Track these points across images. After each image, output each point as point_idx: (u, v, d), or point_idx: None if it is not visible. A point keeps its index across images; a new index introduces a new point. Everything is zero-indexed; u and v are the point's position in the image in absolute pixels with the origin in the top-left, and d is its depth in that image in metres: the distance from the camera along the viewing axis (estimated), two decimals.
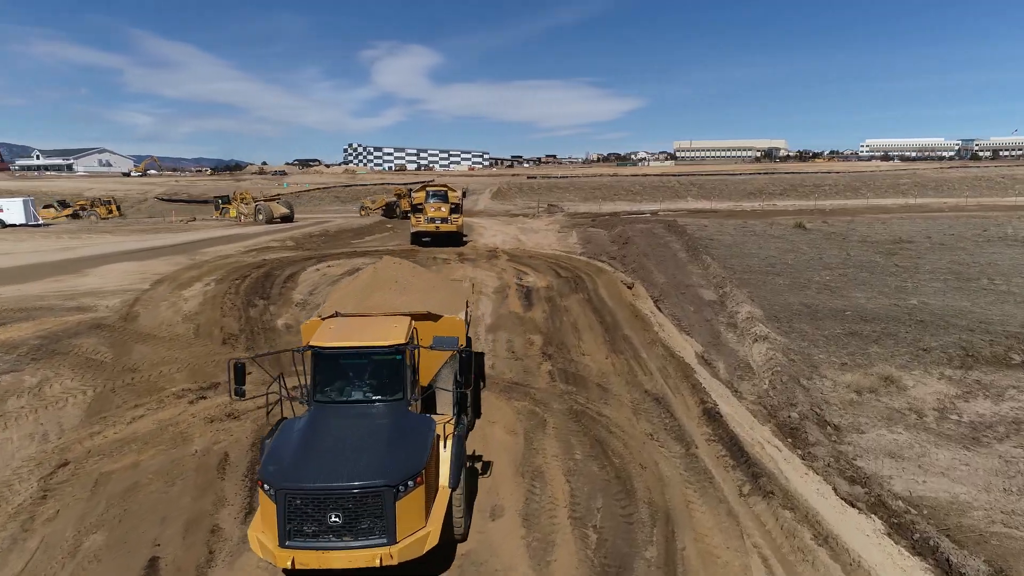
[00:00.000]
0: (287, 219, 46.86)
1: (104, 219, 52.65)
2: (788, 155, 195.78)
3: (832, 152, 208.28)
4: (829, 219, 39.11)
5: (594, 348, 15.26)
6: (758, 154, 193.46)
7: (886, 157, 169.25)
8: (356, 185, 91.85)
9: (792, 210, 50.37)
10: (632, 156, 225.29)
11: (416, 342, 8.33)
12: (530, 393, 12.49)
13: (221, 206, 53.54)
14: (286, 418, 7.69)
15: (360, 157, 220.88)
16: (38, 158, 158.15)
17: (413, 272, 11.30)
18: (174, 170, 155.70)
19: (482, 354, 13.96)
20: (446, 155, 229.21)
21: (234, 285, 19.44)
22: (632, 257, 25.59)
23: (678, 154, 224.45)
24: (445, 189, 32.14)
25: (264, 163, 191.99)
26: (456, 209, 30.85)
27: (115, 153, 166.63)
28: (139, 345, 13.93)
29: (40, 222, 44.31)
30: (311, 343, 7.81)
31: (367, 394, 7.74)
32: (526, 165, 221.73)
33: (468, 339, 10.82)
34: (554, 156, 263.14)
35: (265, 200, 49.33)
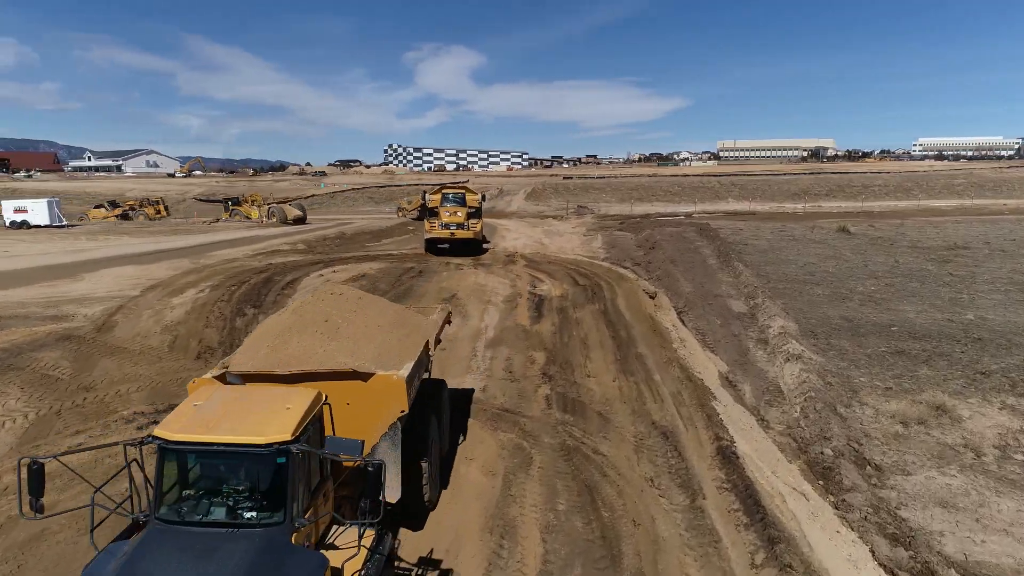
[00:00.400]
0: (300, 221, 46.58)
1: (152, 219, 52.86)
2: (836, 155, 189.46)
3: (883, 151, 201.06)
4: (876, 222, 36.53)
5: (602, 368, 13.68)
6: (804, 154, 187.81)
7: (940, 156, 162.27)
8: (391, 186, 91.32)
9: (837, 212, 47.64)
10: (674, 156, 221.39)
11: (316, 435, 5.94)
12: (520, 423, 11.00)
13: (231, 207, 53.39)
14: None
15: (400, 158, 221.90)
16: (89, 159, 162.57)
17: (357, 306, 8.44)
18: (219, 171, 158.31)
19: (471, 390, 12.40)
20: (485, 155, 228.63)
21: (229, 292, 18.41)
22: (658, 263, 23.85)
23: (721, 154, 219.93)
24: (463, 191, 29.78)
25: (308, 164, 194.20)
26: (475, 213, 28.43)
27: (162, 154, 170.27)
28: (105, 359, 12.88)
29: (64, 223, 44.40)
30: (154, 432, 5.33)
31: (232, 513, 5.29)
32: (565, 165, 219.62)
33: (427, 398, 8.41)
34: (594, 156, 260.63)
35: (277, 202, 49.57)
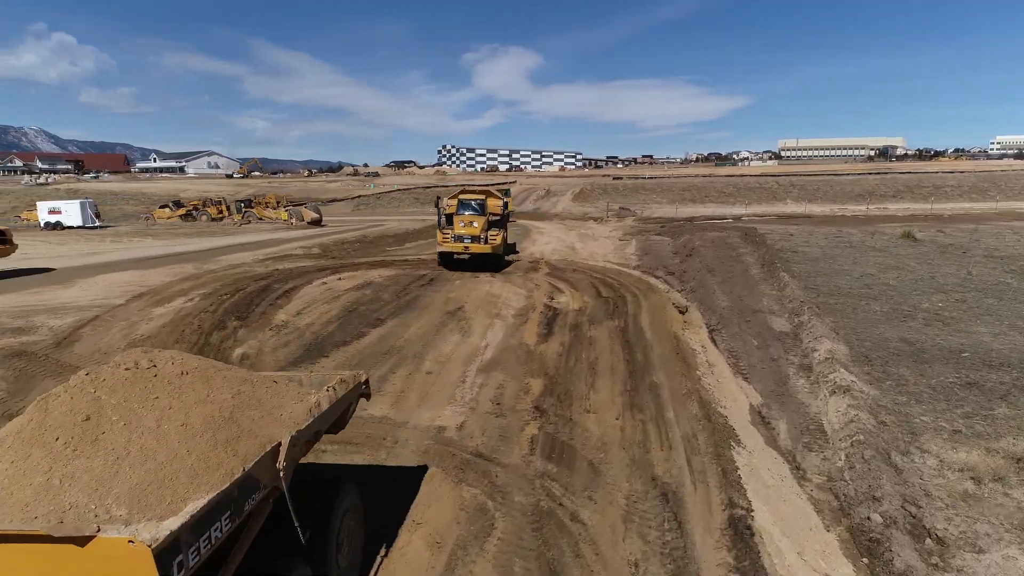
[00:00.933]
0: (316, 223, 46.37)
1: (215, 219, 53.24)
2: (906, 154, 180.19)
3: (957, 150, 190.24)
4: (947, 227, 33.00)
5: (606, 401, 11.64)
6: (871, 153, 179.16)
7: (1021, 155, 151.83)
8: (436, 186, 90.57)
9: (903, 216, 43.89)
10: (733, 156, 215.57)
11: None
12: (492, 474, 9.10)
13: (243, 209, 53.67)
14: None
15: (453, 158, 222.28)
16: (155, 161, 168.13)
17: (168, 387, 4.65)
18: (276, 172, 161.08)
19: (443, 427, 10.50)
20: (538, 155, 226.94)
21: (218, 302, 17.08)
22: (693, 273, 21.53)
23: (783, 153, 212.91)
24: (484, 196, 25.97)
25: (365, 164, 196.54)
26: (498, 223, 24.35)
27: (223, 156, 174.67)
28: (48, 380, 11.56)
29: (97, 223, 44.58)
30: None
31: None
32: (619, 165, 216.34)
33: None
34: (650, 156, 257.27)
35: (294, 205, 49.49)
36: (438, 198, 26.21)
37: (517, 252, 28.17)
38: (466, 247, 23.05)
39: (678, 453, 9.89)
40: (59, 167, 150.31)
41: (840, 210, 51.84)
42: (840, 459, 10.41)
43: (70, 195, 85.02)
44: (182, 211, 53.69)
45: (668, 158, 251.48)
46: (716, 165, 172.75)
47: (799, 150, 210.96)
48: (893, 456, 10.15)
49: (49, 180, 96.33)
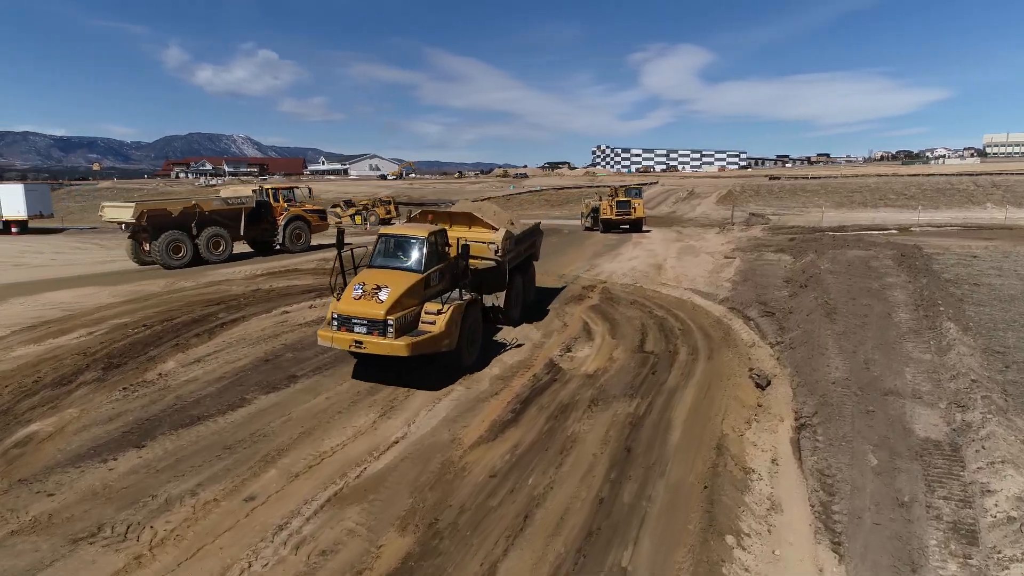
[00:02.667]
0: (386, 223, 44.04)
1: (383, 219, 51.74)
2: None
3: None
4: None
5: None
6: None
7: None
8: (568, 188, 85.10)
9: None
10: (926, 154, 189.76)
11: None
12: None
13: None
14: None
15: (607, 159, 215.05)
16: (323, 163, 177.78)
17: None
18: (441, 173, 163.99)
19: None
20: (698, 155, 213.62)
21: (121, 336, 13.00)
22: (802, 314, 14.33)
23: (988, 150, 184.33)
24: (433, 233, 12.23)
25: (525, 165, 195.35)
26: (457, 280, 12.04)
27: (384, 159, 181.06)
28: None
29: None
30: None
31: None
32: (789, 165, 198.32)
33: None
34: (827, 155, 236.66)
35: (365, 208, 48.61)
36: (339, 232, 13.68)
37: (580, 267, 22.10)
38: (356, 343, 10.56)
39: None
40: (241, 170, 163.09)
41: None
42: None
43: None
44: (352, 210, 53.01)
45: (848, 157, 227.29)
46: (902, 164, 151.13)
47: (1009, 146, 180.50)
48: None
49: (216, 182, 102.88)
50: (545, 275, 20.04)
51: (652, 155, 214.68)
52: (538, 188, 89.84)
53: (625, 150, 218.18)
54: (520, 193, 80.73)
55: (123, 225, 24.27)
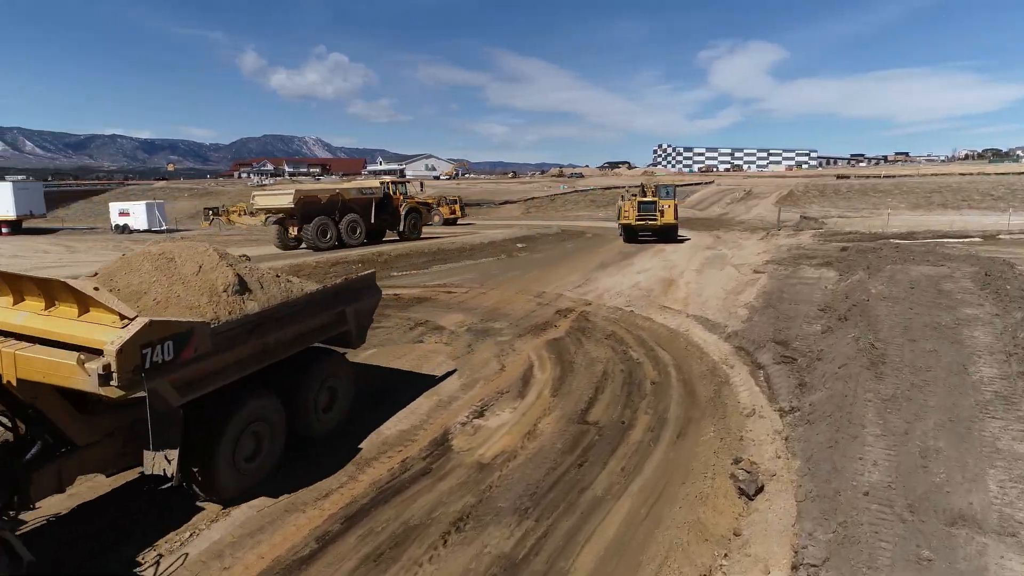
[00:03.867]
0: None
1: (447, 219, 49.58)
2: None
3: None
4: None
5: None
6: None
7: None
8: (618, 187, 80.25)
9: None
10: (1017, 151, 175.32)
11: None
12: None
13: (211, 217, 50.77)
14: None
15: (668, 158, 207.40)
16: (380, 163, 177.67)
17: None
18: (502, 173, 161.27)
19: None
20: (764, 154, 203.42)
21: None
22: (833, 364, 9.91)
23: None
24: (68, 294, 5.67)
25: (586, 165, 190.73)
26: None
27: (439, 159, 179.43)
28: None
29: (164, 227, 41.05)
30: None
31: None
32: (863, 165, 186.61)
33: None
34: (905, 154, 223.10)
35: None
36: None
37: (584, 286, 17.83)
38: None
39: None
40: (301, 170, 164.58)
41: None
42: None
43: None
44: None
45: (929, 156, 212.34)
46: (989, 162, 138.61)
47: None
48: None
49: (267, 181, 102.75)
50: (519, 293, 16.10)
51: (716, 154, 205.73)
52: (590, 188, 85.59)
53: (687, 149, 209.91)
54: (567, 193, 76.77)
55: (267, 215, 28.42)
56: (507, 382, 10.19)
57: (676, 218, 29.43)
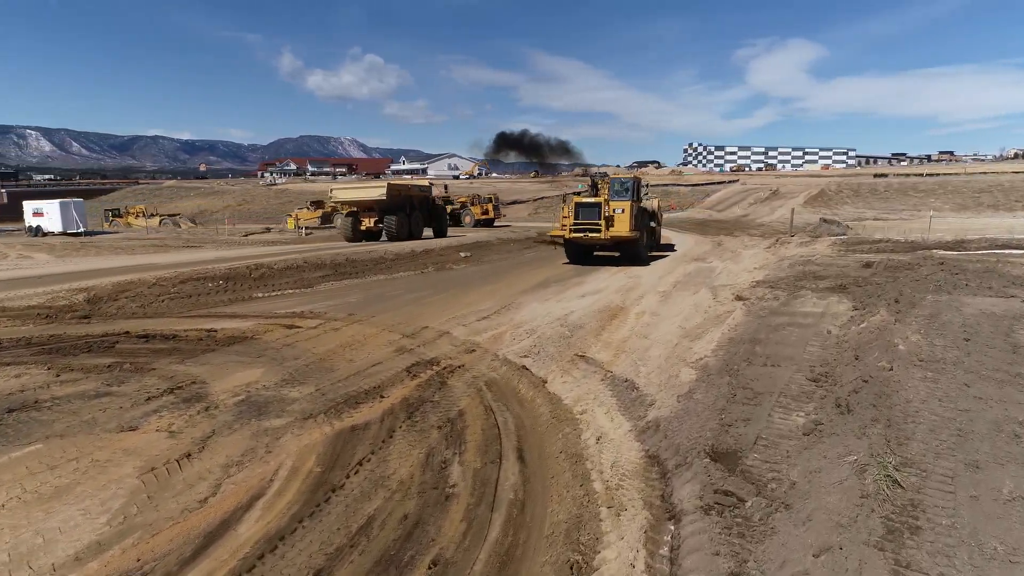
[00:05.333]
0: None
1: (479, 220, 47.39)
2: None
3: None
4: None
5: None
6: None
7: None
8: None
9: None
10: None
11: None
12: None
13: (111, 218, 49.26)
14: None
15: (699, 157, 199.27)
16: (403, 163, 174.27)
17: None
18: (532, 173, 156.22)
19: None
20: (800, 153, 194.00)
21: None
22: (810, 525, 4.81)
23: None
24: None
25: (618, 166, 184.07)
26: None
27: (462, 158, 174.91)
28: None
29: (81, 229, 36.33)
30: None
31: None
32: (903, 164, 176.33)
33: None
34: (950, 153, 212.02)
35: (169, 216, 45.26)
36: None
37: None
38: None
39: None
40: (324, 169, 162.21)
41: None
42: None
43: (277, 195, 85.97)
44: (449, 208, 47.61)
45: (975, 155, 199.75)
46: None
47: None
48: None
49: (277, 181, 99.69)
50: (387, 330, 11.18)
51: (748, 153, 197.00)
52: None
53: (718, 148, 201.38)
54: (575, 193, 71.50)
55: (336, 209, 32.60)
56: (179, 538, 5.28)
57: (634, 228, 20.04)
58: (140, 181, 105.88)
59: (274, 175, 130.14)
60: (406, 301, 14.38)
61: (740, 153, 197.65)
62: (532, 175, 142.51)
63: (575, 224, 20.27)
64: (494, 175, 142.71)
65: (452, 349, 10.34)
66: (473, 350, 10.28)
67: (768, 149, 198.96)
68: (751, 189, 66.89)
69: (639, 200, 21.70)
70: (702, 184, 76.54)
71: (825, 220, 31.58)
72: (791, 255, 19.33)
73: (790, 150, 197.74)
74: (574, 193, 23.38)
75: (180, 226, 41.97)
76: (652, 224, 23.84)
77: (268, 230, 43.48)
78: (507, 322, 12.10)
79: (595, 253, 21.97)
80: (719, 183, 77.18)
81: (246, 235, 36.66)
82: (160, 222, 42.42)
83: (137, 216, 45.54)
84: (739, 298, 12.38)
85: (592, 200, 20.54)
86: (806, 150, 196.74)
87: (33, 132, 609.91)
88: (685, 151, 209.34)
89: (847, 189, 61.52)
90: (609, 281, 16.64)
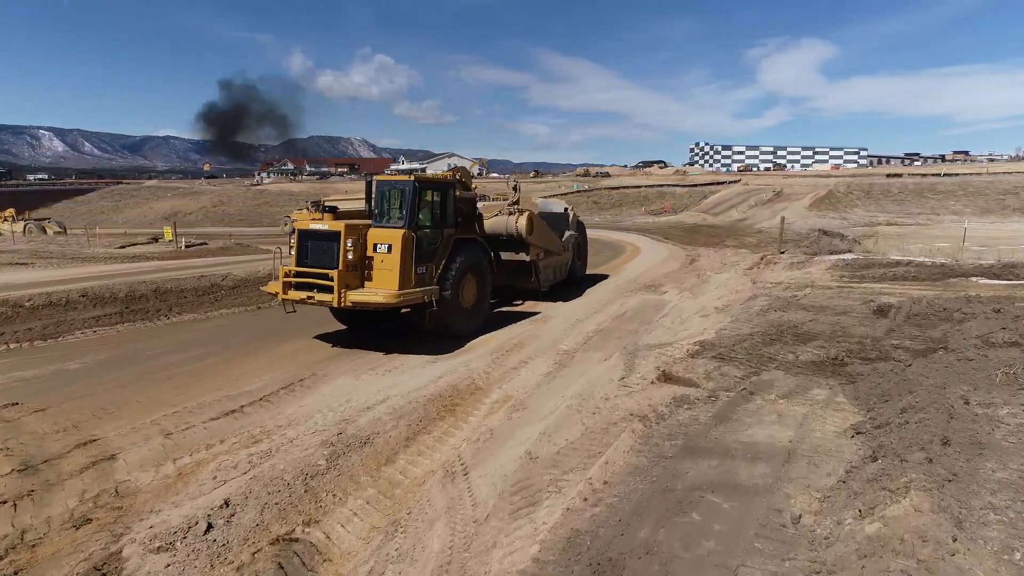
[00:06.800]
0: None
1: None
2: None
3: None
4: None
5: None
6: None
7: None
8: (626, 187, 69.51)
9: None
10: None
11: None
12: None
13: None
14: None
15: (706, 156, 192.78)
16: (403, 163, 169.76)
17: None
18: (520, 173, 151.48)
19: None
20: (809, 152, 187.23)
21: None
22: None
23: None
24: None
25: (625, 166, 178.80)
26: None
27: (463, 157, 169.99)
28: None
29: None
30: None
31: None
32: (917, 164, 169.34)
33: None
34: (965, 153, 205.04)
35: (37, 220, 40.54)
36: None
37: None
38: None
39: None
40: (323, 169, 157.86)
41: None
42: None
43: (255, 196, 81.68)
44: None
45: (991, 154, 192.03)
46: None
47: None
48: None
49: (264, 181, 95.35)
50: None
51: (756, 152, 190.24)
52: (601, 187, 75.33)
53: (725, 147, 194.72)
54: (568, 193, 66.35)
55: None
56: None
57: (418, 284, 10.70)
58: (123, 181, 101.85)
59: (264, 175, 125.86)
60: (151, 369, 9.25)
61: (748, 153, 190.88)
62: (532, 175, 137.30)
63: (297, 272, 10.82)
64: (494, 175, 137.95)
65: (64, 510, 5.22)
66: (89, 520, 5.14)
67: (777, 148, 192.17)
68: (753, 190, 61.24)
69: (457, 224, 12.38)
70: (702, 184, 70.98)
71: (825, 232, 25.63)
72: (773, 283, 13.94)
73: (799, 149, 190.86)
74: (310, 205, 11.96)
75: (47, 232, 36.70)
76: (566, 240, 17.09)
77: (155, 240, 34.38)
78: (240, 432, 6.87)
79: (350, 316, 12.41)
80: (721, 183, 71.57)
81: (122, 247, 28.09)
82: (24, 227, 37.27)
83: (4, 220, 40.12)
84: (663, 377, 7.15)
85: (326, 228, 10.75)
86: (816, 149, 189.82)
87: (46, 132, 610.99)
88: (691, 151, 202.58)
89: (857, 190, 55.84)
90: (506, 327, 11.38)
